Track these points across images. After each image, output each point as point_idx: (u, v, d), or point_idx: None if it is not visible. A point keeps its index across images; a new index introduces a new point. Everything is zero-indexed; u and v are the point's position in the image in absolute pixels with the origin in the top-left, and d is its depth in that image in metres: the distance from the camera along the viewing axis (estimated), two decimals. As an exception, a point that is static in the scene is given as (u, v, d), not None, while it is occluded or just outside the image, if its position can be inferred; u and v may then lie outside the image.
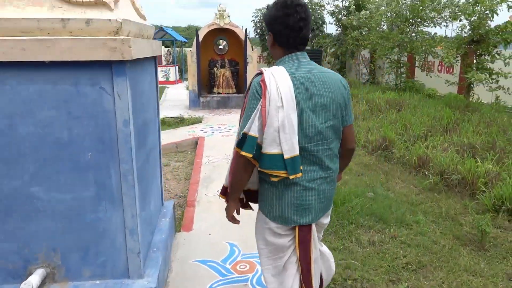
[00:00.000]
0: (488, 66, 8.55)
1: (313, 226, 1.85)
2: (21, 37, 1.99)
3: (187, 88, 11.73)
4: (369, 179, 5.17)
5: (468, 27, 8.95)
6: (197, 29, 9.66)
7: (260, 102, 1.66)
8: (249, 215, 2.28)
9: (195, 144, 7.18)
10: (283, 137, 1.63)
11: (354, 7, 12.27)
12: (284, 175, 1.68)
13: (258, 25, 18.13)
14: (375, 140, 6.32)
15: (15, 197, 2.14)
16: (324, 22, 18.92)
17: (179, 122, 8.90)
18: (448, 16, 10.05)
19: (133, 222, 2.27)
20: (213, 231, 3.64)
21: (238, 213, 2.01)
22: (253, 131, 1.67)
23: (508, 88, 8.15)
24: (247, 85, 1.84)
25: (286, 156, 1.64)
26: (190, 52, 9.95)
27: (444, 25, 10.77)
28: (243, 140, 1.69)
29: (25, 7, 2.05)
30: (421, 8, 10.22)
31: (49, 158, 2.15)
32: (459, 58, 9.44)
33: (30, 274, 2.18)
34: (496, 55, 8.43)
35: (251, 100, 1.71)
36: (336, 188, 2.00)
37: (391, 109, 8.38)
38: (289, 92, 1.64)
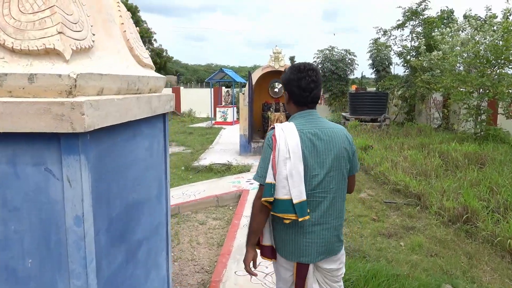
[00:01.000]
0: None
1: (310, 267, 2.04)
2: None
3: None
4: (445, 262, 4.04)
5: None
6: (250, 72, 9.21)
7: (271, 154, 1.92)
8: None
9: (238, 197, 6.45)
10: (292, 184, 1.87)
11: (425, 47, 11.20)
12: (294, 218, 1.90)
13: (319, 66, 17.54)
14: (452, 207, 5.14)
15: None
16: (390, 63, 17.86)
17: (226, 170, 8.28)
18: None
19: None
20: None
21: (254, 264, 2.13)
22: (269, 179, 1.90)
23: None
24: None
25: (295, 201, 1.87)
26: (243, 95, 9.48)
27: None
28: (268, 190, 1.91)
29: None
30: (504, 48, 8.93)
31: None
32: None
33: None
34: None
35: (265, 151, 1.98)
36: (341, 236, 2.09)
37: (471, 164, 7.09)
38: (296, 145, 1.89)
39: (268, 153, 1.95)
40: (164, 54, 42.75)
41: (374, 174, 7.28)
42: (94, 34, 1.76)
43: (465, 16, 13.35)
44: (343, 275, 2.19)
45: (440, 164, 7.24)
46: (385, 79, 13.49)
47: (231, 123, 17.67)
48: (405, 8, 13.57)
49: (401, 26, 13.86)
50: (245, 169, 8.24)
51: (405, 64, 13.21)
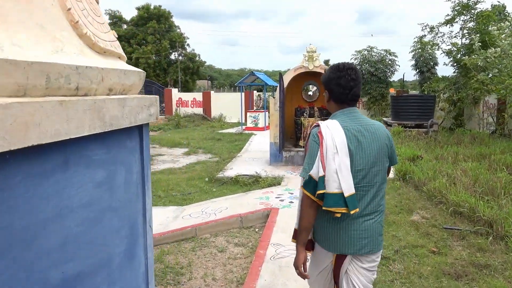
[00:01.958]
0: None
1: (347, 258, 2.07)
2: None
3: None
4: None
5: None
6: (281, 73, 8.28)
7: (319, 149, 1.96)
8: None
9: (266, 217, 5.54)
10: (342, 178, 1.93)
11: (480, 44, 9.88)
12: (345, 211, 1.94)
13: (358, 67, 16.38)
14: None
15: None
16: (436, 64, 16.44)
17: (254, 182, 7.40)
18: None
19: None
20: None
21: (305, 266, 2.12)
22: (314, 174, 1.96)
23: None
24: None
25: (346, 194, 1.93)
26: (273, 100, 8.57)
27: None
28: (308, 182, 1.99)
29: None
30: None
31: None
32: None
33: None
34: None
35: (312, 147, 2.02)
36: (382, 230, 2.11)
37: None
38: (342, 141, 1.96)
39: (315, 149, 1.99)
40: (197, 59, 42.57)
41: (427, 191, 6.16)
42: None
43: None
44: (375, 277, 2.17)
45: (509, 181, 6.02)
46: (432, 80, 12.16)
47: (262, 129, 16.81)
48: (455, 1, 12.22)
49: (450, 21, 12.51)
50: (275, 181, 7.32)
51: (455, 64, 11.84)
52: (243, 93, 18.34)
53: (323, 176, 1.93)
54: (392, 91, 17.08)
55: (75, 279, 1.24)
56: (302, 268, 2.10)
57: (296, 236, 2.17)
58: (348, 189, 1.93)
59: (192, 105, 22.31)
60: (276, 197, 6.33)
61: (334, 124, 2.00)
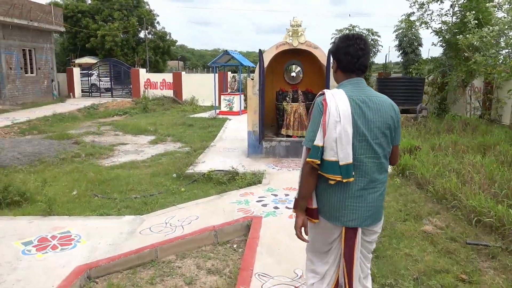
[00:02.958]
0: None
1: (359, 231, 2.07)
2: None
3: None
4: None
5: None
6: (261, 50, 7.09)
7: (322, 117, 1.97)
8: None
9: (246, 228, 4.48)
10: (340, 147, 1.94)
11: (476, 21, 8.99)
12: (339, 179, 1.96)
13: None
14: None
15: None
16: (420, 44, 15.60)
17: (230, 180, 6.29)
18: None
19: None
20: None
21: (305, 230, 2.18)
22: (318, 141, 1.97)
23: None
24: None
25: (341, 163, 1.95)
26: (251, 82, 7.39)
27: None
28: (314, 152, 1.98)
29: None
30: None
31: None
32: None
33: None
34: None
35: (316, 115, 2.03)
36: (384, 200, 2.15)
37: None
38: (346, 110, 1.95)
39: (318, 117, 1.99)
40: (168, 37, 40.47)
41: (435, 192, 5.23)
42: None
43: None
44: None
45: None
46: (419, 61, 11.26)
47: (237, 113, 15.63)
48: (445, -24, 11.28)
49: (439, -2, 11.54)
50: (255, 179, 6.23)
51: (445, 44, 10.96)
52: (216, 74, 17.00)
53: (320, 146, 1.97)
54: (381, 75, 16.16)
55: None
56: (303, 232, 2.17)
57: (296, 205, 2.18)
58: (345, 158, 1.94)
59: (161, 87, 20.76)
60: (258, 201, 5.25)
61: (340, 93, 2.01)
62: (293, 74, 8.34)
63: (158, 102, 18.80)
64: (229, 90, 17.06)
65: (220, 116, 14.94)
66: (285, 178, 6.32)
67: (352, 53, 2.03)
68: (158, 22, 41.43)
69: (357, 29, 16.19)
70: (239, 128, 11.87)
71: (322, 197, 2.09)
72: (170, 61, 50.30)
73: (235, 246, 4.23)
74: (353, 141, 1.95)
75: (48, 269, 3.54)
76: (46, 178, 6.51)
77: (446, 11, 11.24)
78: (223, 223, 4.49)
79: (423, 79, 11.49)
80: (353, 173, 1.97)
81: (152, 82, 20.99)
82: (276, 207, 5.01)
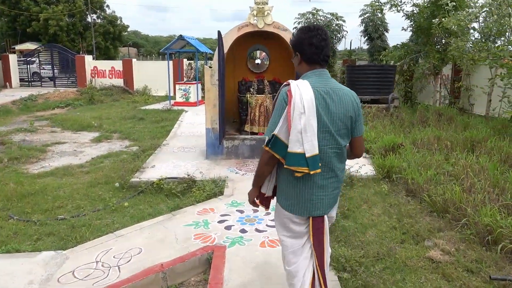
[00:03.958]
0: None
1: (325, 218, 2.13)
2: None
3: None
4: None
5: None
6: (220, 32, 5.90)
7: (286, 108, 1.96)
8: None
9: (206, 263, 3.41)
10: (305, 139, 1.94)
11: (454, 3, 8.28)
12: (306, 171, 1.96)
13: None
14: None
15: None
16: (386, 29, 14.95)
17: (185, 190, 5.15)
18: None
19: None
20: None
21: (260, 200, 2.33)
22: (279, 133, 1.97)
23: None
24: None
25: (307, 155, 1.94)
26: (209, 71, 6.22)
27: None
28: (270, 140, 2.00)
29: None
30: None
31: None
32: None
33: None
34: None
35: (279, 106, 2.02)
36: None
37: None
38: (311, 101, 1.95)
39: (282, 107, 1.99)
40: (119, 22, 37.92)
41: (433, 203, 4.37)
42: None
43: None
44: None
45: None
46: (388, 49, 10.53)
47: (194, 104, 14.34)
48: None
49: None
50: (215, 189, 5.12)
51: (417, 29, 10.25)
52: (170, 62, 15.55)
53: (279, 138, 1.98)
54: (347, 62, 15.34)
55: None
56: (257, 201, 2.32)
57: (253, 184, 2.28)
58: (311, 150, 1.94)
59: (110, 76, 18.95)
60: (220, 221, 4.17)
61: (304, 84, 2.00)
62: (258, 61, 7.24)
63: (107, 92, 17.07)
64: (185, 79, 15.68)
65: (175, 108, 13.58)
66: (249, 185, 5.26)
67: (316, 44, 2.04)
68: (107, 6, 38.78)
69: (321, 13, 15.31)
70: (196, 122, 10.66)
71: (288, 191, 2.11)
72: (124, 47, 47.54)
73: (191, 291, 3.15)
74: (318, 132, 1.96)
75: None
76: None
77: (418, -7, 10.48)
78: (174, 259, 3.38)
79: (395, 67, 10.79)
80: (319, 164, 1.99)
81: (100, 70, 19.11)
82: (243, 230, 3.95)
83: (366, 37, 14.77)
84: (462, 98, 12.13)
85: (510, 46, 7.94)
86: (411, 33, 13.02)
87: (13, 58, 20.50)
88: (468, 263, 3.32)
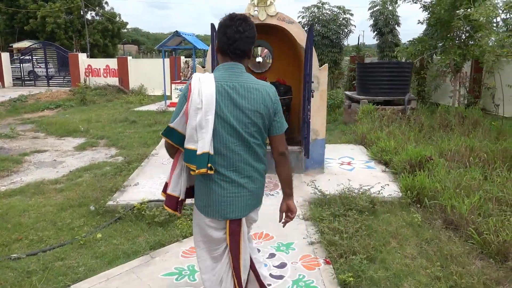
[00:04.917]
0: None
1: (243, 221, 2.02)
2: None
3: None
4: None
5: None
6: (213, 25, 4.89)
7: (185, 103, 1.90)
8: None
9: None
10: (200, 136, 1.86)
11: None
12: (193, 168, 1.87)
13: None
14: None
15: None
16: (398, 23, 13.93)
17: (170, 218, 4.22)
18: None
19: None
20: None
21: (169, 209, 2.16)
22: (177, 126, 1.94)
23: None
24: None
25: (198, 152, 1.86)
26: (202, 71, 5.28)
27: None
28: (166, 130, 1.98)
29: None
30: None
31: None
32: None
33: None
34: None
35: (180, 100, 1.96)
36: (264, 185, 2.10)
37: None
38: (210, 96, 1.85)
39: (183, 102, 1.94)
40: (118, 19, 37.01)
41: (487, 243, 3.40)
42: None
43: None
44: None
45: None
46: (407, 43, 9.52)
47: (193, 105, 13.38)
48: None
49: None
50: (207, 217, 4.20)
51: (437, 22, 9.23)
52: (167, 60, 14.60)
53: (174, 129, 1.95)
54: (355, 59, 14.36)
55: None
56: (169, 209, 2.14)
57: (165, 190, 2.15)
58: (202, 147, 1.87)
59: (105, 74, 18.02)
60: (210, 268, 3.24)
61: (208, 77, 1.92)
62: (260, 59, 6.28)
63: (100, 92, 16.15)
64: (182, 78, 14.73)
65: (171, 109, 12.64)
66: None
67: (228, 34, 1.91)
68: (106, 3, 37.93)
69: (327, 6, 14.29)
70: (193, 126, 9.73)
71: (199, 192, 2.03)
72: (124, 45, 46.64)
73: None
74: (220, 129, 1.89)
75: None
76: None
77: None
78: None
79: (412, 64, 9.77)
80: (209, 164, 1.88)
81: (94, 68, 18.19)
82: (240, 284, 3.02)
83: (376, 32, 13.75)
84: (483, 97, 11.16)
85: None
86: (425, 26, 12.06)
87: (5, 57, 19.62)
88: None
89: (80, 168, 6.52)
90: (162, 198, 2.16)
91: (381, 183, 4.82)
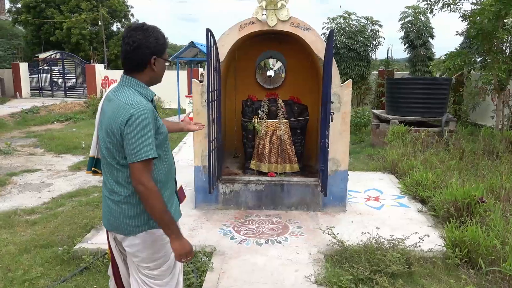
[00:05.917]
0: None
1: (110, 235, 1.99)
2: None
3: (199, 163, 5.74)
4: None
5: None
6: (210, 31, 3.92)
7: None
8: None
9: None
10: (94, 142, 2.12)
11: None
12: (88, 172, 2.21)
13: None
14: None
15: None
16: (432, 35, 12.79)
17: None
18: None
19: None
20: None
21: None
22: (92, 152, 2.17)
23: None
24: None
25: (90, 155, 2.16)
26: (199, 86, 4.41)
27: None
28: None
29: None
30: None
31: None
32: None
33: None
34: None
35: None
36: (131, 218, 1.84)
37: None
38: (100, 108, 1.95)
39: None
40: (143, 31, 37.07)
41: None
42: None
43: None
44: (156, 275, 1.92)
45: None
46: (445, 57, 8.44)
47: (207, 120, 12.58)
48: None
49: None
50: (190, 276, 3.25)
51: (477, 33, 8.14)
52: (183, 71, 13.93)
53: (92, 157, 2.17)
54: (384, 73, 13.28)
55: None
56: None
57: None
58: (91, 152, 2.09)
59: (121, 86, 17.55)
60: None
61: (111, 88, 1.92)
62: (271, 73, 5.36)
63: (115, 105, 15.63)
64: (199, 91, 14.02)
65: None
66: (249, 269, 3.36)
67: (122, 48, 1.83)
68: (132, 14, 38.14)
69: (353, 16, 13.31)
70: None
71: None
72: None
73: None
74: (99, 138, 1.92)
75: None
76: None
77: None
78: None
79: (449, 80, 8.63)
80: (93, 168, 2.10)
81: (111, 80, 17.77)
82: None
83: (407, 45, 12.65)
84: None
85: None
86: (462, 39, 10.90)
87: (23, 67, 19.55)
88: None
89: (66, 194, 5.74)
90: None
91: (418, 231, 3.77)
